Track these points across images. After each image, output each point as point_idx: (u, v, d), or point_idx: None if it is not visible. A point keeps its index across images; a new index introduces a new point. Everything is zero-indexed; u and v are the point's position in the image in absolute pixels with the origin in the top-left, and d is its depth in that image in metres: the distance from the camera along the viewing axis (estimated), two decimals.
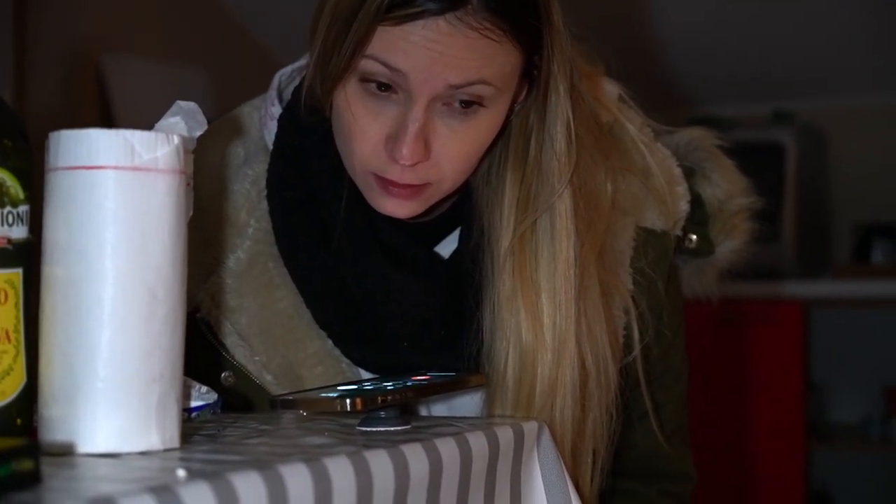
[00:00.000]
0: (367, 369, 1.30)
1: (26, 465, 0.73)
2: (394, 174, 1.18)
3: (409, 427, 1.05)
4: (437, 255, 1.32)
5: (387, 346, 1.27)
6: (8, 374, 0.90)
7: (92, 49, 3.50)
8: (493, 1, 1.12)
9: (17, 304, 0.91)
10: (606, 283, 1.29)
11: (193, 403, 1.10)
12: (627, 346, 1.32)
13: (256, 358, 1.28)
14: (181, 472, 0.77)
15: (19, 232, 0.91)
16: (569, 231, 1.24)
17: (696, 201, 1.39)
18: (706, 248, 1.40)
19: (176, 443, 0.91)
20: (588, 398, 1.26)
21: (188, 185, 0.94)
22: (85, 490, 0.74)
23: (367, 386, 1.13)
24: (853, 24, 3.76)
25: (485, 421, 1.19)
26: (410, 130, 1.15)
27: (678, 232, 1.37)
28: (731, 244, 1.41)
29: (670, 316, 1.37)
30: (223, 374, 1.28)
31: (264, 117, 1.34)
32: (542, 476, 1.12)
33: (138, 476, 0.79)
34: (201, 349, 1.25)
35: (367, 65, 1.15)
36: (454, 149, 1.18)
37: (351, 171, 1.23)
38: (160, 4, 3.79)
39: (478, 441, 1.03)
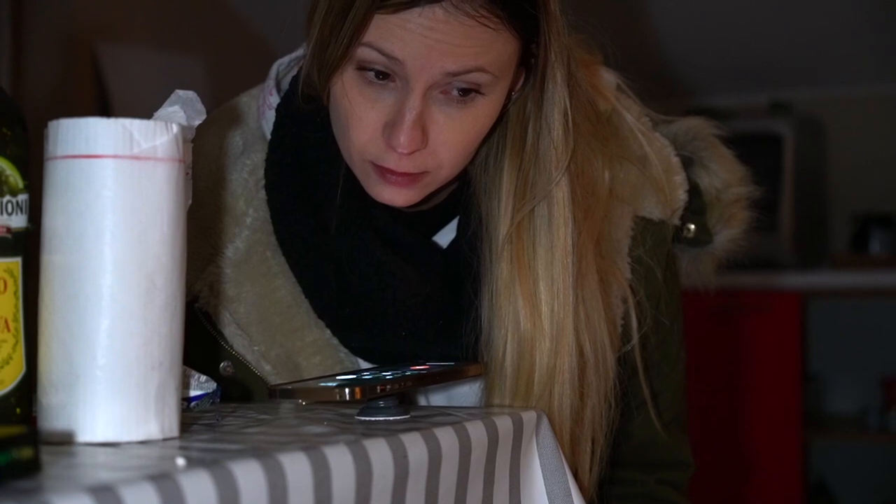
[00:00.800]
0: (365, 358, 1.30)
1: (26, 453, 0.73)
2: (391, 162, 1.17)
3: (407, 416, 1.05)
4: (435, 244, 1.32)
5: (385, 334, 1.27)
6: (7, 362, 0.90)
7: (89, 37, 3.50)
8: None
9: (16, 293, 0.91)
10: (604, 272, 1.29)
11: (192, 393, 1.10)
12: (625, 335, 1.32)
13: (255, 347, 1.28)
14: (181, 461, 0.77)
15: (18, 221, 0.91)
16: (566, 219, 1.24)
17: (694, 190, 1.39)
18: (704, 237, 1.40)
19: (175, 432, 0.91)
20: (586, 386, 1.26)
21: (187, 173, 0.94)
22: (84, 478, 0.74)
23: (366, 375, 1.13)
24: (850, 14, 3.76)
25: (484, 410, 1.19)
26: (408, 118, 1.15)
27: (676, 221, 1.37)
28: (728, 233, 1.41)
29: (668, 304, 1.37)
30: (222, 364, 1.28)
31: (262, 107, 1.34)
32: (541, 465, 1.12)
33: (138, 464, 0.79)
34: (200, 339, 1.26)
35: (363, 53, 1.15)
36: (451, 137, 1.18)
37: (348, 159, 1.22)
38: None
39: (477, 430, 1.03)
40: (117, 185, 0.87)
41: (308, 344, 1.29)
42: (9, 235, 0.90)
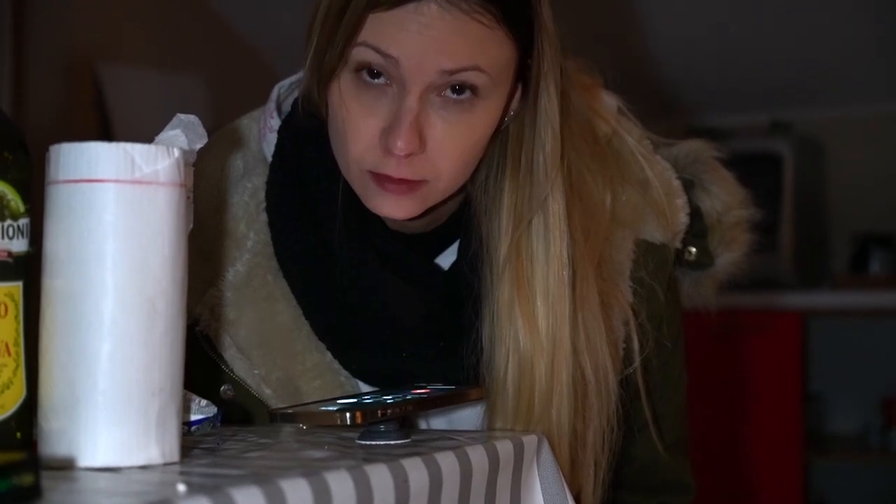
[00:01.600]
0: (365, 380, 1.30)
1: (27, 479, 0.73)
2: (389, 168, 1.17)
3: (408, 441, 1.05)
4: (436, 266, 1.32)
5: (385, 355, 1.27)
6: (8, 387, 0.90)
7: (90, 59, 3.50)
8: None
9: (17, 317, 0.90)
10: (606, 294, 1.29)
11: (193, 417, 1.10)
12: (627, 358, 1.32)
13: (255, 371, 1.28)
14: (181, 487, 0.77)
15: (20, 245, 0.91)
16: (562, 232, 1.25)
17: (695, 213, 1.39)
18: (705, 260, 1.40)
19: (176, 456, 0.91)
20: (588, 409, 1.26)
21: (188, 198, 0.94)
22: None
23: (367, 399, 1.13)
24: (850, 35, 3.76)
25: (485, 434, 1.19)
26: (404, 120, 1.15)
27: (678, 244, 1.37)
28: (730, 256, 1.41)
29: (670, 326, 1.37)
30: (222, 388, 1.28)
31: (263, 129, 1.34)
32: (542, 489, 1.12)
33: (138, 490, 0.79)
34: (200, 362, 1.25)
35: (359, 53, 1.16)
36: (449, 143, 1.18)
37: (346, 171, 1.22)
38: (158, 15, 3.80)
39: (477, 454, 1.03)
40: (119, 210, 0.87)
41: (309, 368, 1.28)
42: (10, 259, 0.90)
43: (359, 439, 1.05)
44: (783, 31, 3.79)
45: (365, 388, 1.30)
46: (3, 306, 0.90)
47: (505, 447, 1.08)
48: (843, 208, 4.10)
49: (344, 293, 1.26)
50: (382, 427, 1.05)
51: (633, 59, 3.86)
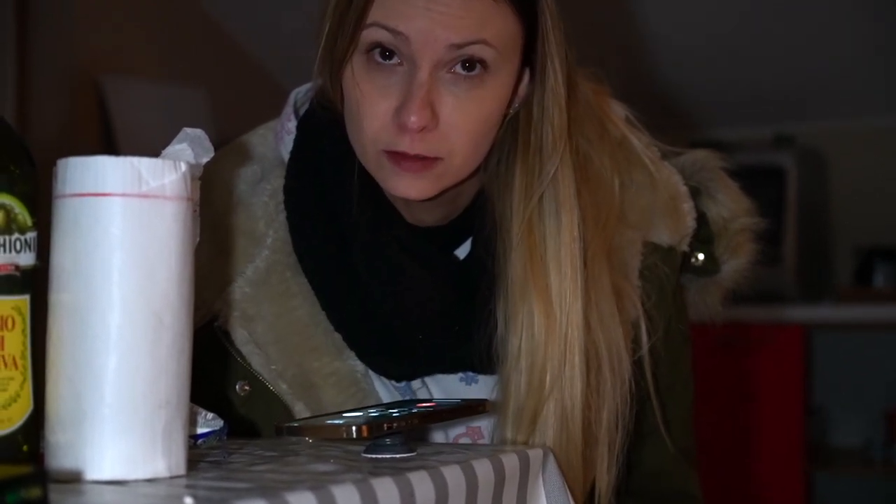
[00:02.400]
0: (380, 371, 1.31)
1: (34, 492, 0.73)
2: (404, 144, 1.20)
3: (414, 454, 1.05)
4: (452, 255, 1.35)
5: (401, 343, 1.29)
6: (15, 400, 0.90)
7: (93, 71, 3.51)
8: None
9: (24, 331, 0.91)
10: (616, 286, 1.30)
11: (199, 430, 1.10)
12: (637, 361, 1.33)
13: (272, 366, 1.29)
14: (188, 500, 0.77)
15: (27, 259, 0.91)
16: (572, 207, 1.27)
17: (702, 220, 1.40)
18: (712, 266, 1.41)
19: (182, 469, 0.91)
20: (602, 383, 1.27)
21: (195, 211, 0.94)
22: None
23: (373, 413, 1.13)
24: (853, 48, 3.77)
25: (490, 448, 1.19)
26: (416, 95, 1.18)
27: (685, 247, 1.39)
28: (735, 263, 1.42)
29: (678, 326, 1.39)
30: (238, 384, 1.29)
31: (280, 133, 1.37)
32: (548, 503, 1.12)
33: (145, 503, 0.79)
34: (217, 358, 1.28)
35: (370, 33, 1.20)
36: (461, 118, 1.21)
37: (363, 155, 1.25)
38: (161, 27, 3.81)
39: (483, 468, 1.03)
40: (125, 224, 0.87)
41: (324, 364, 1.30)
42: (17, 273, 0.90)
43: (365, 452, 1.06)
44: (787, 44, 3.79)
45: (379, 383, 1.32)
46: (10, 320, 0.90)
47: (511, 461, 1.08)
48: (847, 221, 4.10)
49: (360, 281, 1.28)
50: (388, 440, 1.05)
51: (638, 73, 3.87)
